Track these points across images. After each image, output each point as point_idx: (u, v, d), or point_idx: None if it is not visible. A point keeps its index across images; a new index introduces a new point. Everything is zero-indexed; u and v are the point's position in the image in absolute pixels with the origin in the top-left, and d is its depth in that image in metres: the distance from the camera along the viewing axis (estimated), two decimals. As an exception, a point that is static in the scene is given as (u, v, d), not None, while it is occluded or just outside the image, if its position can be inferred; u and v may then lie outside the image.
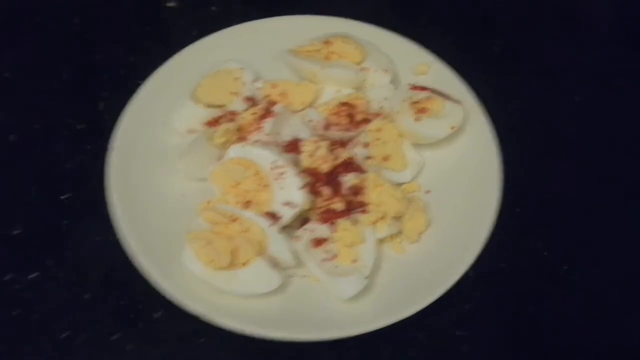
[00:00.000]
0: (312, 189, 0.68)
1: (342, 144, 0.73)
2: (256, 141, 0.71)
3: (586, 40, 0.94)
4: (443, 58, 0.80)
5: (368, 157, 0.71)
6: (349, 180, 0.69)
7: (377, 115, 0.75)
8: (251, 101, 0.76)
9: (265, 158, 0.66)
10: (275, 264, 0.64)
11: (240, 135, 0.72)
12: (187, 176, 0.70)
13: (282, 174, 0.66)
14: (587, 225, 0.74)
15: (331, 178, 0.69)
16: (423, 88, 0.75)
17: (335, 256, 0.65)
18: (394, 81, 0.78)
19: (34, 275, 0.67)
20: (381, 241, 0.68)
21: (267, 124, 0.71)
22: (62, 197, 0.73)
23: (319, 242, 0.66)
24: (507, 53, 0.91)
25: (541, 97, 0.86)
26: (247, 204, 0.66)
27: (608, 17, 0.97)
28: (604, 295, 0.69)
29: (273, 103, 0.75)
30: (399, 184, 0.72)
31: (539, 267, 0.71)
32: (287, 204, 0.65)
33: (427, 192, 0.72)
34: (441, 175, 0.73)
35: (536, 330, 0.67)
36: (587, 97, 0.86)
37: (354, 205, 0.68)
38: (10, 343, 0.63)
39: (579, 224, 0.74)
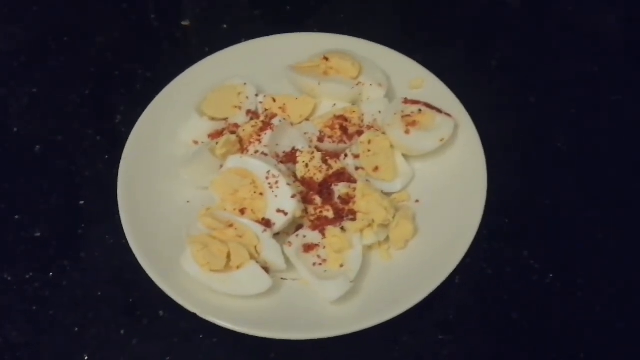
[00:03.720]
0: (306, 197, 0.72)
1: (336, 155, 0.76)
2: (256, 152, 0.74)
3: (579, 54, 0.94)
4: (439, 73, 0.82)
5: (358, 168, 0.74)
6: (340, 189, 0.72)
7: (369, 128, 0.77)
8: (253, 114, 0.80)
9: (261, 168, 0.70)
10: (267, 267, 0.67)
11: (241, 146, 0.76)
12: (191, 185, 0.74)
13: (276, 183, 0.69)
14: (573, 236, 0.75)
15: (324, 187, 0.73)
16: (415, 102, 0.77)
17: (324, 261, 0.68)
18: (389, 95, 0.80)
19: (51, 274, 0.72)
20: (369, 248, 0.70)
21: (266, 136, 0.75)
22: (80, 203, 0.78)
23: (310, 247, 0.69)
24: (501, 69, 0.91)
25: (531, 111, 0.87)
26: (243, 211, 0.70)
27: (600, 32, 0.96)
28: (587, 303, 0.70)
29: (273, 116, 0.77)
30: (390, 194, 0.74)
31: (524, 275, 0.72)
32: (280, 211, 0.69)
33: (417, 201, 0.74)
34: (430, 186, 0.74)
35: (518, 337, 0.68)
36: (577, 111, 0.86)
37: (344, 213, 0.71)
38: (29, 335, 0.69)
39: (565, 234, 0.75)
